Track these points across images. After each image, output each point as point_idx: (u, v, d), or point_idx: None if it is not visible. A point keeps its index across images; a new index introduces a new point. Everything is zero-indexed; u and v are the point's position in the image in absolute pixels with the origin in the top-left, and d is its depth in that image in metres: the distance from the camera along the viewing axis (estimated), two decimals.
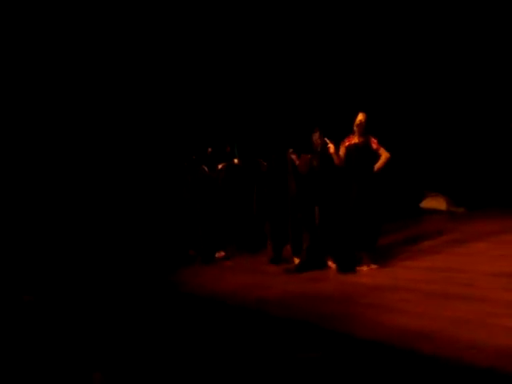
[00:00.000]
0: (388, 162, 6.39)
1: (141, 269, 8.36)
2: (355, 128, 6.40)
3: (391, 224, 8.89)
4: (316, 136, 6.71)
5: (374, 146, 6.41)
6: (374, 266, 6.16)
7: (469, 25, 11.58)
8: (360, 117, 6.36)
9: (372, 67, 12.15)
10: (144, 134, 10.78)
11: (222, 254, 8.66)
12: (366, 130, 6.39)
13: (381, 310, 4.43)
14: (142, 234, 9.78)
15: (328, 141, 6.49)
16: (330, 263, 6.58)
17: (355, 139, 6.42)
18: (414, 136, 12.18)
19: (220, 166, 8.71)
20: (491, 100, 12.37)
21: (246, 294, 5.87)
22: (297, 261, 6.96)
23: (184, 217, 8.95)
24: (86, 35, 10.02)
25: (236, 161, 8.67)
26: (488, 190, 12.22)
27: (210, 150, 8.79)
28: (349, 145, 6.44)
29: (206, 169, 8.64)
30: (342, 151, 6.46)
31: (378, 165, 6.38)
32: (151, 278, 7.68)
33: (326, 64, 11.89)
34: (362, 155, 6.35)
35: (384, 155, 6.39)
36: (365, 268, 6.14)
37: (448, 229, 8.68)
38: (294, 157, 7.12)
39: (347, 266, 6.19)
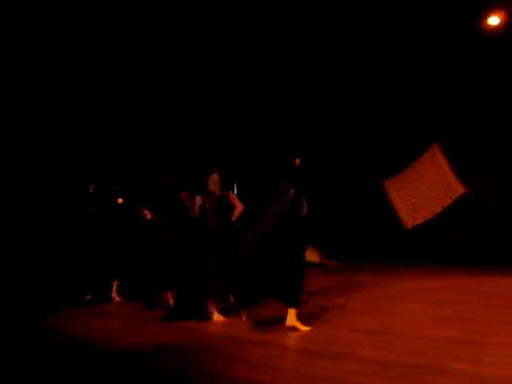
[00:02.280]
0: None
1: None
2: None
3: None
4: (215, 178, 6.53)
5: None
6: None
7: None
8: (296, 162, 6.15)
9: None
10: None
11: (89, 297, 8.14)
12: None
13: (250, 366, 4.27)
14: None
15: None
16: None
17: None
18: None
19: None
20: (364, 156, 13.17)
21: (111, 341, 5.48)
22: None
23: (55, 258, 8.37)
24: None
25: (120, 200, 8.30)
26: (360, 243, 12.86)
27: (92, 187, 8.32)
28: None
29: (93, 209, 8.20)
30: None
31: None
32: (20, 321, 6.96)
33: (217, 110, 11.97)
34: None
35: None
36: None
37: (324, 282, 8.87)
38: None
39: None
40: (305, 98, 12.59)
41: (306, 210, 6.21)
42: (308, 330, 5.36)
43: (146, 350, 5.02)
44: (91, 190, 8.31)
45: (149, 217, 7.70)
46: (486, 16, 10.23)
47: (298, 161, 6.16)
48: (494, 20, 10.25)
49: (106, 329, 6.23)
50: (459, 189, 11.26)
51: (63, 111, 10.37)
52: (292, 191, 5.70)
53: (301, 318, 5.49)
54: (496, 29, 10.29)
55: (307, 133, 12.71)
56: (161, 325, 6.19)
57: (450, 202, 11.20)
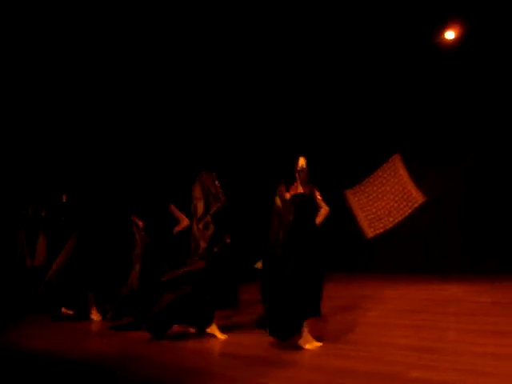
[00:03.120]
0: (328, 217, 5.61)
1: None
2: (297, 175, 5.54)
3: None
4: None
5: (318, 197, 5.58)
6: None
7: None
8: (301, 161, 5.60)
9: None
10: None
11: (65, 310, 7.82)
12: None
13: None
14: None
15: None
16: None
17: (299, 189, 5.49)
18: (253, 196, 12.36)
19: None
20: (325, 167, 13.24)
21: (56, 352, 5.38)
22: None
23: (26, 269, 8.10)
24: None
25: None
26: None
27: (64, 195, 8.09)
28: (293, 195, 5.48)
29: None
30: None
31: (320, 219, 5.55)
32: None
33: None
34: (309, 207, 5.47)
35: (324, 209, 5.57)
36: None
37: None
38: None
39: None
40: (267, 105, 12.59)
41: (327, 208, 5.57)
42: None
43: (88, 359, 4.97)
44: (64, 200, 8.02)
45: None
46: (443, 30, 10.59)
47: (302, 160, 5.62)
48: (449, 34, 10.61)
49: (62, 339, 6.08)
50: (419, 198, 11.53)
51: (32, 117, 10.04)
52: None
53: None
54: (452, 43, 10.66)
55: (270, 143, 12.74)
56: (115, 335, 6.11)
57: (410, 211, 11.45)
